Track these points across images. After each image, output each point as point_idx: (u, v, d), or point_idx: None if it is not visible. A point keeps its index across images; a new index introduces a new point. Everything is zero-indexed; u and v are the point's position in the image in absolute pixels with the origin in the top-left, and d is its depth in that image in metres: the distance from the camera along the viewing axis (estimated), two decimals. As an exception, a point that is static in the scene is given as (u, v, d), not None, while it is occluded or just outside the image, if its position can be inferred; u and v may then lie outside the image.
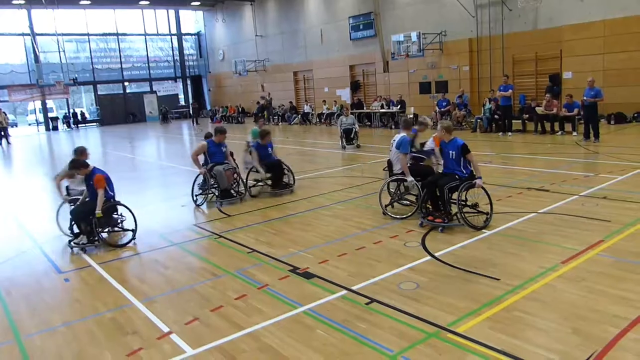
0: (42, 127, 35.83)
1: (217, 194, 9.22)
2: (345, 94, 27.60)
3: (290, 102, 30.19)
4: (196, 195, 9.24)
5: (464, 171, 6.74)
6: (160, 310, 4.82)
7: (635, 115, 16.69)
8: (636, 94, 16.61)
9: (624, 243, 5.73)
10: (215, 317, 4.61)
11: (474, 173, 6.75)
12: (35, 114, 37.93)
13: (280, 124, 28.73)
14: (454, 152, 6.77)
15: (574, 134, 14.92)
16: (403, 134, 7.59)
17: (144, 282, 5.62)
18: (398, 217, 7.32)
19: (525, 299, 4.52)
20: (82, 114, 38.31)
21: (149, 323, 4.57)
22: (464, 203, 6.69)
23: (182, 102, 41.18)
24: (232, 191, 9.34)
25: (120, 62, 38.24)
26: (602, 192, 8.05)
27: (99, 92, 38.03)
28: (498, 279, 4.95)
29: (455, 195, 6.62)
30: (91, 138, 29.07)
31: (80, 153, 7.53)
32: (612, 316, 4.09)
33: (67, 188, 7.97)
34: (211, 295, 5.10)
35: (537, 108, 16.15)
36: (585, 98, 13.59)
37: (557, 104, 16.11)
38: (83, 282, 5.80)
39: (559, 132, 15.41)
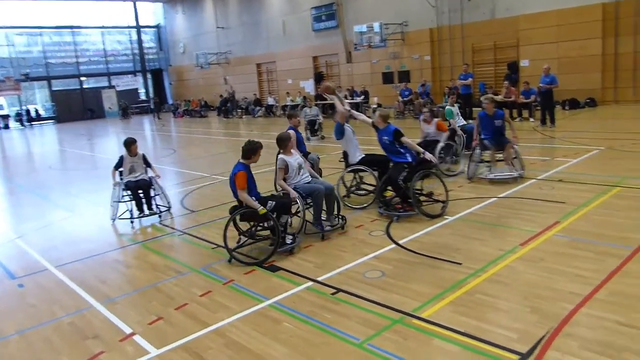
0: (-7, 126, 34.40)
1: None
2: (308, 86, 27.54)
3: (254, 95, 29.91)
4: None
5: (408, 156, 6.80)
6: (122, 312, 4.71)
7: (588, 100, 17.28)
8: (588, 80, 17.20)
9: (577, 223, 5.94)
10: (179, 315, 4.54)
11: (418, 153, 6.83)
12: (-16, 111, 36.34)
13: (244, 117, 28.44)
14: (387, 138, 6.86)
15: (531, 120, 15.33)
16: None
17: (105, 283, 5.47)
18: (357, 207, 7.35)
19: (487, 281, 4.63)
20: (36, 111, 36.88)
21: (111, 325, 4.46)
22: (419, 192, 6.77)
23: (143, 97, 40.26)
24: None
25: (76, 56, 37.01)
26: (558, 175, 8.31)
27: (53, 88, 36.68)
28: (460, 264, 5.06)
29: (416, 185, 6.68)
30: (46, 135, 28.13)
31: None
32: (567, 293, 4.24)
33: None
34: (175, 294, 5.02)
35: (496, 96, 16.47)
36: (541, 85, 13.99)
37: (516, 91, 16.50)
38: (39, 287, 5.59)
39: (517, 119, 15.80)
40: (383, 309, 4.28)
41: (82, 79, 37.70)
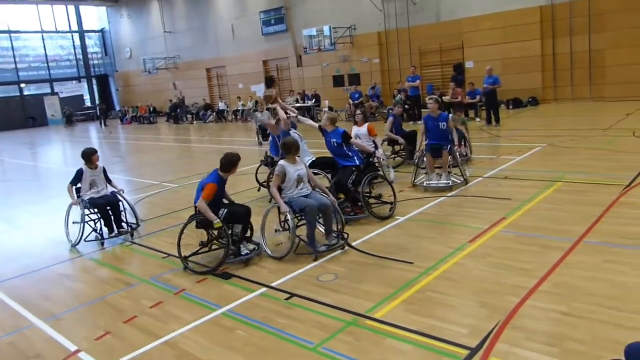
0: None
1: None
2: (259, 90, 27.36)
3: (204, 100, 29.46)
4: None
5: (356, 159, 6.87)
6: (67, 328, 4.51)
7: (530, 99, 18.02)
8: (530, 80, 17.96)
9: (522, 218, 6.16)
10: (128, 328, 4.39)
11: (367, 152, 6.98)
12: None
13: (194, 122, 27.96)
14: (335, 141, 6.90)
15: (477, 119, 15.83)
16: None
17: (48, 299, 5.22)
18: None
19: (437, 279, 4.72)
20: (-28, 120, 34.95)
21: (54, 343, 4.25)
22: (368, 195, 6.85)
23: (88, 103, 38.87)
24: None
25: (15, 62, 35.35)
26: (503, 172, 8.60)
27: (-10, 96, 34.90)
28: (411, 263, 5.14)
29: (365, 188, 6.73)
30: (-15, 146, 26.67)
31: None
32: (513, 286, 4.38)
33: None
34: (124, 306, 4.86)
35: (443, 97, 16.91)
36: (485, 85, 14.47)
37: (462, 92, 16.98)
38: (-25, 306, 5.27)
39: (464, 119, 16.23)
40: (337, 312, 4.29)
41: (22, 85, 36.01)
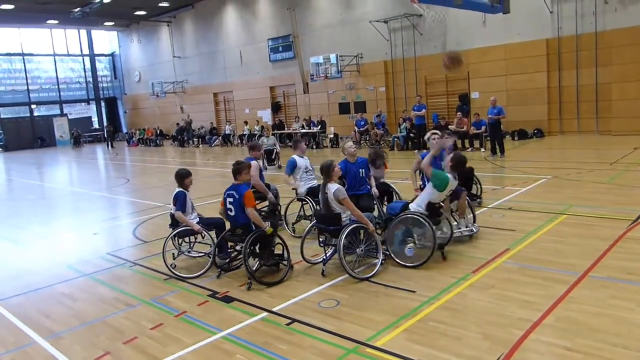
0: None
1: None
2: (266, 115, 27.67)
3: (211, 124, 29.74)
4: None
5: (368, 187, 7.10)
6: (67, 347, 4.49)
7: (535, 131, 18.09)
8: (535, 112, 18.05)
9: (526, 250, 6.12)
10: (128, 349, 4.36)
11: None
12: None
13: (200, 145, 28.18)
14: (364, 171, 7.04)
15: (482, 150, 15.87)
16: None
17: (49, 318, 5.21)
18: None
19: (440, 308, 4.68)
20: (-18, 139, 35.43)
21: (54, 362, 4.23)
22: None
23: (96, 125, 39.34)
24: None
25: (27, 84, 35.97)
26: (507, 203, 8.59)
27: (2, 116, 35.35)
28: (414, 292, 5.10)
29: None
30: (-7, 165, 26.92)
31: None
32: (517, 319, 4.33)
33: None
34: (124, 327, 4.83)
35: (449, 127, 17.03)
36: (489, 116, 14.56)
37: (467, 122, 17.12)
38: (-23, 323, 5.27)
39: (469, 149, 16.33)
40: (338, 339, 4.25)
41: (33, 106, 36.57)
